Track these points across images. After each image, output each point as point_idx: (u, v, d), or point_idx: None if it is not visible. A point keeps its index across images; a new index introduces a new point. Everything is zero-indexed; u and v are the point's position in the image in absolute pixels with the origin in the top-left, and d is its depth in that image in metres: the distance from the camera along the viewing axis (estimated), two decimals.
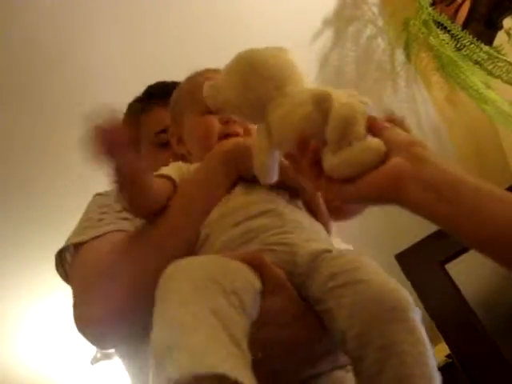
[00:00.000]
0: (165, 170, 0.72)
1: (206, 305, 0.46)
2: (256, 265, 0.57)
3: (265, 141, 0.62)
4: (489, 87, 1.68)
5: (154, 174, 0.71)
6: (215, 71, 0.80)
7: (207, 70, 0.83)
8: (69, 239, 0.78)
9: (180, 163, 0.76)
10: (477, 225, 0.47)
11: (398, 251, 1.80)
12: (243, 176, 0.70)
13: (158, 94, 0.96)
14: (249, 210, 0.65)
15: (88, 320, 0.66)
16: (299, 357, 0.59)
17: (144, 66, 1.53)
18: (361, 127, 0.54)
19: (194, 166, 0.74)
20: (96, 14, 1.45)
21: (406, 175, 0.50)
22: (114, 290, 0.64)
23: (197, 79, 0.81)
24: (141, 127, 0.95)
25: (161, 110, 0.91)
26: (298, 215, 0.67)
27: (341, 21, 1.75)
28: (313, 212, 0.70)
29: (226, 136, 0.76)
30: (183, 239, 0.66)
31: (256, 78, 0.60)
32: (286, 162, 0.63)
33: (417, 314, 0.53)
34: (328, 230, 0.71)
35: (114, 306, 0.64)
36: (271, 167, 0.64)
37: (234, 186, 0.70)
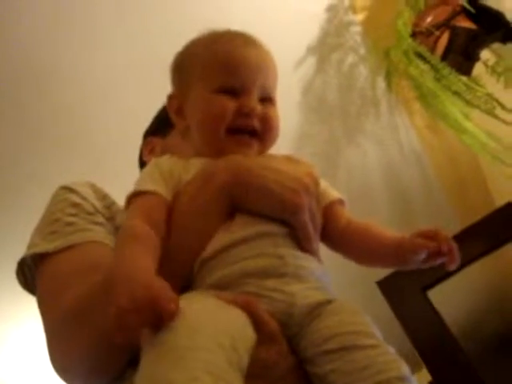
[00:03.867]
0: (152, 182, 0.61)
1: (204, 367, 0.43)
2: (249, 312, 0.52)
3: None
4: (467, 117, 1.71)
5: (135, 189, 0.61)
6: (245, 42, 0.68)
7: (236, 37, 0.69)
8: (33, 244, 0.70)
9: (172, 161, 0.65)
10: None
11: (379, 278, 1.80)
12: (240, 207, 0.62)
13: None
14: (247, 247, 0.58)
15: (61, 369, 0.61)
16: None
17: (142, 82, 1.53)
18: None
19: (192, 167, 0.64)
20: (90, 30, 1.45)
21: None
22: (91, 338, 0.58)
23: (221, 47, 0.67)
24: None
25: None
26: (299, 255, 0.61)
27: (324, 48, 1.78)
28: (305, 249, 0.63)
29: (236, 131, 0.65)
30: (176, 278, 0.58)
31: None
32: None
33: None
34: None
35: (91, 359, 0.58)
36: None
37: (230, 215, 0.62)
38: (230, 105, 0.64)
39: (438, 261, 0.58)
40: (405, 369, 0.51)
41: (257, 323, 0.52)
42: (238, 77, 0.65)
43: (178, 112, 0.69)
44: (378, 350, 0.52)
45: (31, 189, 1.45)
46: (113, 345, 0.56)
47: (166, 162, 0.66)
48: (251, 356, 0.49)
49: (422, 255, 0.58)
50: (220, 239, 0.59)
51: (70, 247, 0.67)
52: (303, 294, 0.57)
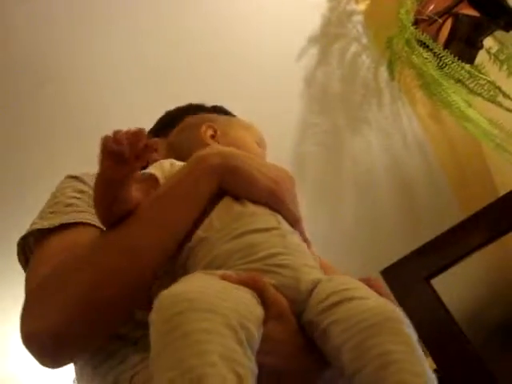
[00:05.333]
0: (152, 169, 0.69)
1: (218, 351, 0.44)
2: (258, 289, 0.54)
3: None
4: (470, 105, 1.71)
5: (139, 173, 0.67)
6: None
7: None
8: (32, 223, 0.73)
9: (169, 162, 0.72)
10: None
11: (383, 267, 1.81)
12: (228, 191, 0.67)
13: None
14: (254, 221, 0.64)
15: (27, 336, 0.59)
16: None
17: (144, 81, 1.53)
18: None
19: (178, 166, 0.71)
20: (91, 29, 1.46)
21: None
22: (70, 304, 0.58)
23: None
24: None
25: None
26: (296, 237, 0.66)
27: (326, 38, 1.78)
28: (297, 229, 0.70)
29: None
30: (158, 249, 0.62)
31: None
32: None
33: (410, 328, 0.53)
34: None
35: (65, 324, 0.57)
36: None
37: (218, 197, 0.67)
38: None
39: None
40: (400, 313, 0.54)
41: (265, 299, 0.54)
42: (262, 145, 0.85)
43: (212, 136, 0.81)
44: (374, 297, 0.55)
45: (42, 185, 1.46)
46: (88, 313, 0.58)
47: (169, 160, 0.73)
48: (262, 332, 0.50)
49: None
50: (225, 211, 0.65)
51: (64, 227, 0.69)
52: (305, 270, 0.60)
